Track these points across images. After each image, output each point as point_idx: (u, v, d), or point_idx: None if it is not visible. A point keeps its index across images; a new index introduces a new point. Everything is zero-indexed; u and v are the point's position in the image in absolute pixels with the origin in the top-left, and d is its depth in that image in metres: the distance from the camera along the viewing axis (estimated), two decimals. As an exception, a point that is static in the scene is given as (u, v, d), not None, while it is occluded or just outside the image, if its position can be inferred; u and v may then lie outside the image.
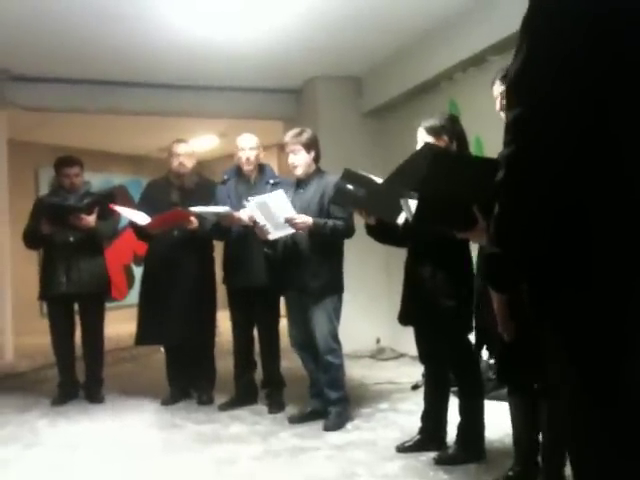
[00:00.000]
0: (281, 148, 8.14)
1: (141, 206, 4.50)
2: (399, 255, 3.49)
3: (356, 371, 5.26)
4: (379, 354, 6.11)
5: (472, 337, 3.13)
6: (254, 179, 4.32)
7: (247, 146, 4.25)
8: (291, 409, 4.26)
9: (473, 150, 3.83)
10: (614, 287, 1.22)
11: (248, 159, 4.25)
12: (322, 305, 3.84)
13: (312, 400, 4.08)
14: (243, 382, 4.45)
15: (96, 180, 6.92)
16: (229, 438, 3.81)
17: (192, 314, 4.39)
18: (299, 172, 3.92)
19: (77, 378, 4.84)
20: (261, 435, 3.82)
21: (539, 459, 2.66)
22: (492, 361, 2.87)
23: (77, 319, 4.81)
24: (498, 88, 2.62)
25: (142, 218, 4.29)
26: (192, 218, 4.25)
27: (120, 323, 6.49)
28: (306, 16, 4.64)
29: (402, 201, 2.76)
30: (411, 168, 2.37)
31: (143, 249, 4.84)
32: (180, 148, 4.56)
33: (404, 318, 3.33)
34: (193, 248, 4.42)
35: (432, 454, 3.26)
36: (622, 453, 1.25)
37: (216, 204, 4.23)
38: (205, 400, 4.54)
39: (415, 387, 4.63)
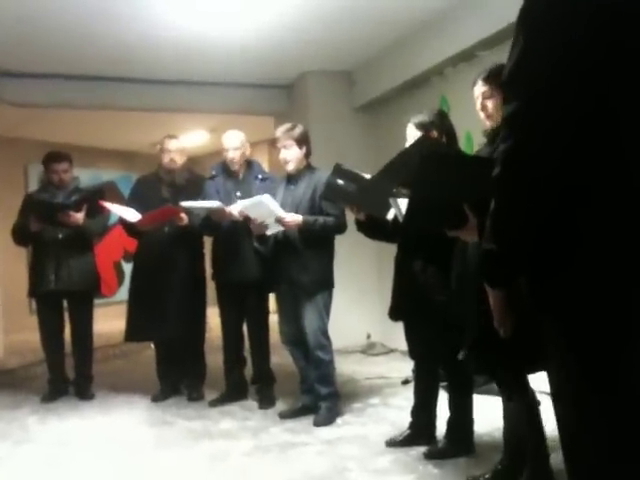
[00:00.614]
0: (272, 144, 8.15)
1: (131, 202, 4.48)
2: (390, 250, 3.49)
3: (347, 366, 5.27)
4: (370, 349, 6.12)
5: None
6: (242, 175, 4.32)
7: (231, 146, 4.25)
8: (281, 404, 4.27)
9: (464, 146, 3.85)
10: (615, 276, 1.22)
11: (232, 159, 4.25)
12: (313, 301, 3.85)
13: (303, 396, 4.09)
14: (233, 378, 4.45)
15: (86, 176, 6.89)
16: (220, 434, 3.81)
17: (182, 310, 4.38)
18: (291, 167, 3.92)
19: (67, 375, 4.83)
20: (252, 431, 3.83)
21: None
22: (461, 355, 2.88)
23: (66, 316, 4.79)
24: (479, 88, 2.61)
25: (132, 215, 4.28)
26: (182, 214, 4.24)
27: (110, 320, 6.46)
28: (297, 11, 4.63)
29: (391, 200, 2.76)
30: (404, 161, 2.37)
31: (133, 245, 4.83)
32: (171, 144, 4.55)
33: (394, 313, 3.34)
34: (183, 244, 4.41)
35: (422, 448, 3.28)
36: (620, 441, 1.25)
37: (205, 199, 4.23)
38: (195, 396, 4.53)
39: (405, 382, 4.65)
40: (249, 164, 4.40)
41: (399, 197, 2.71)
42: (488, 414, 3.48)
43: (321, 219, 3.78)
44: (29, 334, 5.30)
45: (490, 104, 2.56)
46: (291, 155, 3.89)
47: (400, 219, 2.79)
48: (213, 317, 4.73)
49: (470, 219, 2.06)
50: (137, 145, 8.66)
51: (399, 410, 4.02)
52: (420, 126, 3.06)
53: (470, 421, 3.23)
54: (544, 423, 2.54)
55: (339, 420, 3.93)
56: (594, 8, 1.20)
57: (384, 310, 3.46)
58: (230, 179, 4.32)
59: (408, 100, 5.58)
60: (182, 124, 7.38)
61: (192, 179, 4.60)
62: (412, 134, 3.07)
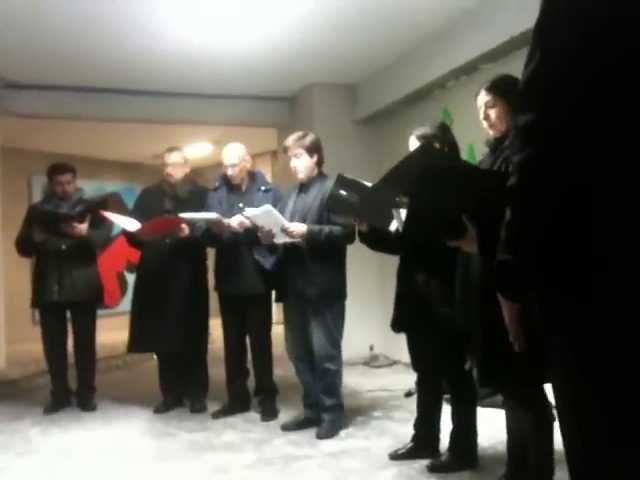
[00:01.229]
0: (274, 155, 8.18)
1: (135, 213, 4.49)
2: (392, 262, 3.49)
3: (349, 378, 5.25)
4: (372, 361, 6.11)
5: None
6: (245, 187, 4.33)
7: (228, 163, 4.25)
8: (284, 416, 4.25)
9: (466, 158, 3.85)
10: (622, 291, 1.22)
11: (232, 175, 4.27)
12: (320, 312, 3.82)
13: (306, 409, 4.07)
14: (236, 390, 4.44)
15: (90, 187, 6.91)
16: (222, 446, 3.79)
17: (184, 321, 4.38)
18: (301, 176, 3.91)
19: (69, 386, 4.83)
20: (254, 443, 3.81)
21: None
22: (467, 365, 2.87)
23: (69, 327, 4.79)
24: (483, 98, 2.62)
25: (132, 224, 4.29)
26: (183, 226, 4.26)
27: (113, 330, 6.47)
28: (301, 24, 4.65)
29: (394, 211, 2.77)
30: (405, 169, 2.38)
31: (136, 256, 4.84)
32: (169, 158, 4.56)
33: (397, 325, 3.34)
34: (185, 255, 4.42)
35: (425, 461, 3.27)
36: (622, 451, 1.25)
37: (207, 210, 4.24)
38: (198, 408, 4.52)
39: (408, 394, 4.63)
40: (252, 175, 4.41)
41: (401, 207, 2.71)
42: (492, 427, 3.47)
43: (327, 228, 3.77)
44: (32, 345, 5.30)
45: (493, 113, 2.57)
46: (301, 164, 3.89)
47: (401, 229, 2.79)
48: (216, 328, 4.72)
49: (469, 229, 2.06)
50: (141, 156, 8.70)
51: (402, 423, 4.01)
52: (422, 138, 3.07)
53: (474, 434, 3.22)
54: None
55: (342, 433, 3.91)
56: (607, 19, 1.20)
57: (387, 322, 3.45)
58: (233, 191, 4.33)
59: (411, 113, 5.60)
60: (186, 136, 7.42)
61: (195, 191, 4.61)
62: (414, 146, 3.08)
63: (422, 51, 5.12)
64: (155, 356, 4.88)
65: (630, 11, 1.21)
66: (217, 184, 4.41)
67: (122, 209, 5.09)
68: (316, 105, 6.28)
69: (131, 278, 6.31)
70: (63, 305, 4.66)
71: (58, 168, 4.73)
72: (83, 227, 4.51)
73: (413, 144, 3.11)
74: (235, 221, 4.09)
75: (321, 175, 3.95)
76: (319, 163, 3.96)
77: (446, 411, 3.33)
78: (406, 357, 3.56)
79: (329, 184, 3.75)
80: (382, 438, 3.80)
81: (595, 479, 1.31)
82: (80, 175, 4.95)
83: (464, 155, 3.48)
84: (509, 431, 2.77)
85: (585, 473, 1.33)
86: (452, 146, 3.13)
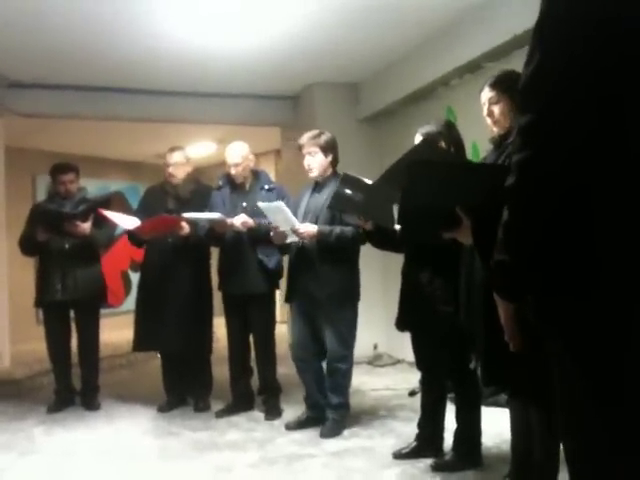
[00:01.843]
0: (278, 154, 8.18)
1: (139, 213, 4.49)
2: (396, 261, 3.49)
3: (353, 377, 5.17)
4: (376, 360, 6.10)
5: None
6: (249, 186, 4.33)
7: (231, 163, 4.24)
8: (288, 415, 4.25)
9: (470, 156, 3.84)
10: (621, 292, 1.21)
11: (235, 174, 4.26)
12: (332, 313, 3.80)
13: (308, 409, 4.06)
14: (239, 389, 4.44)
15: (93, 186, 6.91)
16: (226, 445, 3.79)
17: (188, 320, 4.39)
18: (314, 174, 3.89)
19: (73, 385, 4.83)
20: (258, 442, 3.81)
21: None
22: (472, 364, 2.86)
23: (73, 326, 4.80)
24: (486, 94, 2.61)
25: (131, 223, 4.30)
26: (183, 224, 4.25)
27: (117, 330, 6.47)
28: (303, 23, 4.65)
29: (395, 208, 2.77)
30: (404, 166, 2.38)
31: (140, 255, 4.84)
32: (171, 157, 4.55)
33: (401, 324, 3.33)
34: (189, 255, 4.42)
35: (429, 461, 3.26)
36: (622, 453, 1.24)
37: (210, 210, 4.24)
38: (202, 407, 4.53)
39: (412, 393, 4.62)
40: (256, 174, 4.40)
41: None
42: (496, 426, 3.46)
43: (337, 229, 3.74)
44: (36, 344, 5.31)
45: (497, 110, 2.56)
46: (315, 162, 3.87)
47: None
48: (220, 327, 4.72)
49: (464, 221, 2.06)
50: (144, 156, 8.71)
51: (406, 422, 4.00)
52: (428, 136, 3.05)
53: (478, 433, 3.21)
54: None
55: (346, 432, 3.91)
56: (606, 21, 1.20)
57: (390, 321, 3.45)
58: (236, 190, 4.33)
59: (414, 111, 5.59)
60: (189, 135, 7.42)
61: (198, 190, 4.60)
62: (420, 145, 3.07)
63: (425, 49, 5.10)
64: (159, 355, 4.88)
65: (629, 15, 1.21)
66: (220, 183, 4.41)
67: (126, 208, 5.10)
68: (319, 104, 6.27)
69: (135, 277, 6.31)
70: (66, 304, 4.66)
71: (61, 167, 4.73)
72: (86, 226, 4.51)
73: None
74: (238, 221, 4.08)
75: (335, 175, 3.89)
76: (334, 163, 3.94)
77: (450, 410, 3.32)
78: (410, 356, 3.56)
79: None
80: (386, 437, 3.80)
81: None
82: (84, 174, 4.95)
83: (468, 153, 3.46)
84: (513, 430, 2.76)
85: (584, 475, 1.32)
86: (458, 144, 3.12)
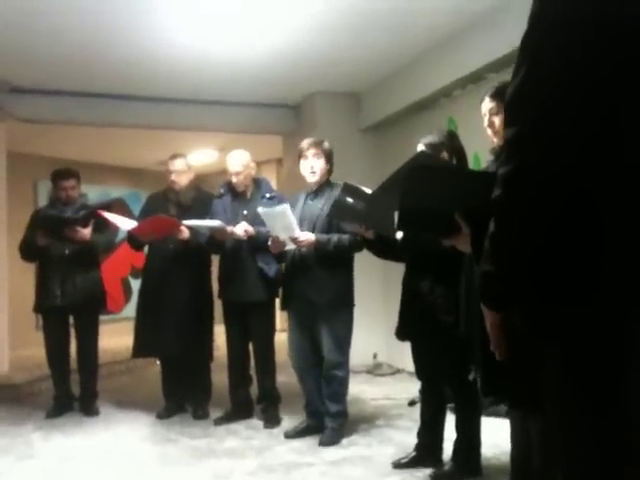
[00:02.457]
0: (279, 162, 8.20)
1: (141, 219, 4.50)
2: (396, 270, 3.49)
3: (353, 386, 5.19)
4: (376, 369, 6.09)
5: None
6: (250, 194, 4.34)
7: (233, 171, 4.25)
8: (287, 424, 4.24)
9: (472, 167, 3.85)
10: (615, 304, 1.21)
11: (236, 182, 4.27)
12: (330, 320, 3.81)
13: (308, 418, 4.06)
14: (238, 396, 4.43)
15: (94, 193, 6.92)
16: (224, 452, 3.79)
17: (188, 327, 4.39)
18: (316, 178, 3.90)
19: (72, 391, 4.82)
20: (256, 450, 3.80)
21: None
22: (472, 375, 2.87)
23: (72, 332, 4.79)
24: (487, 105, 2.62)
25: (129, 224, 4.31)
26: (182, 227, 4.25)
27: (117, 336, 6.46)
28: (305, 32, 4.67)
29: (395, 214, 2.78)
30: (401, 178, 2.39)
31: (141, 262, 4.84)
32: (172, 165, 4.57)
33: (401, 333, 3.33)
34: (189, 261, 4.42)
35: (428, 470, 3.26)
36: (614, 469, 1.24)
37: (212, 217, 4.24)
38: (200, 414, 4.52)
39: (412, 403, 4.62)
40: (257, 183, 4.41)
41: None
42: (495, 436, 3.45)
43: (335, 237, 3.76)
44: (35, 349, 5.31)
45: (497, 120, 2.57)
46: (319, 166, 3.89)
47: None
48: (220, 335, 4.72)
49: (463, 228, 2.07)
50: (146, 162, 8.73)
51: (405, 431, 3.99)
52: (430, 147, 3.06)
53: (477, 443, 3.20)
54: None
55: (344, 441, 3.90)
56: (598, 26, 1.20)
57: (391, 330, 3.45)
58: (237, 198, 4.34)
59: (416, 122, 5.60)
60: (191, 142, 7.44)
61: (199, 197, 4.61)
62: (421, 155, 3.07)
63: (427, 60, 5.13)
64: (158, 362, 4.88)
65: (627, 17, 1.21)
66: (222, 191, 4.42)
67: (127, 215, 5.10)
68: (321, 113, 6.30)
69: (135, 284, 6.32)
70: (66, 310, 4.66)
71: (62, 173, 4.74)
72: (86, 232, 4.52)
73: (420, 153, 3.10)
74: (239, 229, 4.09)
75: (329, 183, 3.95)
76: (330, 172, 3.97)
77: (450, 420, 3.32)
78: (410, 365, 3.56)
79: (337, 192, 3.74)
80: (385, 446, 3.79)
81: None
82: (85, 180, 4.97)
83: (470, 164, 3.47)
84: (513, 441, 2.76)
85: None
86: (460, 154, 3.12)
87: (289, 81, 5.85)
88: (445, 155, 3.04)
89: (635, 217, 1.21)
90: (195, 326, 4.44)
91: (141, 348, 4.57)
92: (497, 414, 3.77)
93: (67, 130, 6.61)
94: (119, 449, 3.92)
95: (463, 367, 3.09)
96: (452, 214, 2.05)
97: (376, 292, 6.09)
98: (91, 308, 4.75)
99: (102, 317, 4.96)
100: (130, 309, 6.47)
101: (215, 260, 4.59)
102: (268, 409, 4.36)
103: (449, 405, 3.38)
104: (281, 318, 5.81)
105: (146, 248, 4.73)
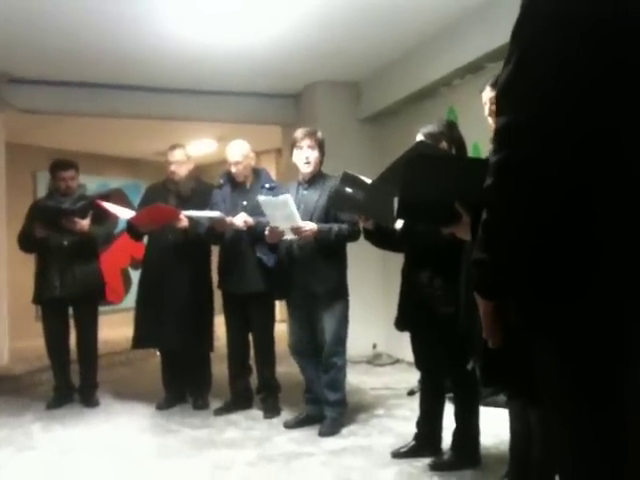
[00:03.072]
0: (279, 153, 8.18)
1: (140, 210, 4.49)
2: (396, 260, 3.49)
3: (352, 377, 5.23)
4: (375, 360, 6.10)
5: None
6: (249, 184, 4.33)
7: (232, 160, 4.24)
8: (287, 414, 4.25)
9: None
10: (610, 297, 1.21)
11: (236, 173, 4.26)
12: (329, 310, 3.83)
13: (307, 406, 4.07)
14: (238, 387, 4.44)
15: (93, 183, 6.91)
16: (224, 443, 3.80)
17: (188, 318, 4.39)
18: (311, 169, 3.90)
19: (72, 382, 4.83)
20: (256, 440, 3.81)
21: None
22: (470, 365, 2.87)
23: (72, 323, 4.80)
24: (487, 94, 2.62)
25: (127, 213, 4.31)
26: (181, 216, 4.25)
27: (117, 327, 6.48)
28: (305, 22, 4.65)
29: (395, 203, 2.78)
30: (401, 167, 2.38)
31: (141, 253, 4.84)
32: (172, 155, 4.55)
33: (401, 324, 3.33)
34: (188, 252, 4.42)
35: (427, 460, 3.27)
36: (613, 463, 1.24)
37: (211, 208, 4.24)
38: (200, 405, 4.53)
39: (411, 393, 4.63)
40: (257, 173, 4.40)
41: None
42: (495, 426, 3.46)
43: (336, 227, 3.77)
44: (35, 340, 5.31)
45: None
46: (314, 156, 3.89)
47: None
48: (220, 326, 4.73)
49: (463, 217, 2.06)
50: (145, 153, 8.71)
51: (404, 421, 4.00)
52: (429, 137, 3.05)
53: (476, 433, 3.21)
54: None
55: (344, 431, 3.91)
56: (593, 23, 1.20)
57: (390, 320, 3.45)
58: (237, 188, 4.33)
59: (416, 111, 5.58)
60: (190, 133, 7.42)
61: (199, 188, 4.60)
62: (421, 145, 3.06)
63: (426, 50, 5.10)
64: (158, 353, 4.88)
65: (624, 13, 1.20)
66: (221, 182, 4.41)
67: (127, 205, 5.10)
68: (320, 103, 6.28)
69: (135, 275, 6.32)
70: (65, 301, 4.66)
71: (61, 164, 4.73)
72: (85, 223, 4.51)
73: (420, 142, 3.09)
74: (239, 219, 4.08)
75: (322, 174, 3.96)
76: (322, 162, 3.97)
77: (449, 410, 3.33)
78: (409, 356, 3.56)
79: (332, 182, 3.74)
80: (384, 436, 3.80)
81: None
82: (84, 171, 4.96)
83: (469, 153, 3.46)
84: (512, 430, 2.76)
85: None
86: (459, 144, 3.11)
87: (288, 71, 5.82)
88: (444, 145, 3.03)
89: (630, 213, 1.20)
90: (195, 317, 4.44)
91: (141, 339, 4.57)
92: (496, 404, 3.77)
93: (66, 121, 6.59)
94: (119, 440, 3.93)
95: (462, 357, 3.09)
96: (452, 202, 2.05)
97: (375, 283, 6.10)
98: (90, 299, 4.75)
99: (102, 308, 4.97)
100: (130, 300, 6.46)
101: (215, 251, 4.58)
102: (268, 399, 4.37)
103: (448, 395, 3.39)
104: (281, 309, 5.81)
105: (145, 239, 4.72)
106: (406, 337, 3.42)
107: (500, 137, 1.28)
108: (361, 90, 6.34)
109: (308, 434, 3.87)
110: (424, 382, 3.42)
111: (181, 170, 4.54)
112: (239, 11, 4.42)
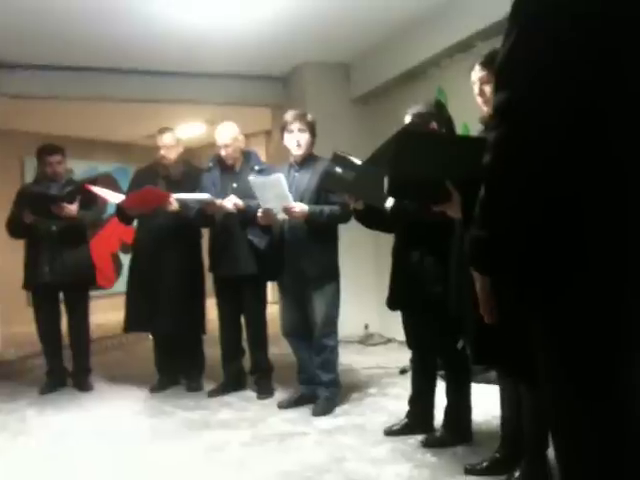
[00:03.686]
0: (268, 135, 8.15)
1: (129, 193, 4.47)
2: (387, 240, 3.50)
3: (345, 357, 5.25)
4: (368, 340, 6.14)
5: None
6: (239, 167, 4.32)
7: (221, 143, 4.23)
8: (280, 395, 4.28)
9: (460, 136, 3.84)
10: (606, 278, 1.22)
11: (225, 155, 4.25)
12: (320, 291, 3.84)
13: (301, 386, 4.10)
14: (231, 369, 4.46)
15: (82, 168, 6.88)
16: (218, 424, 3.82)
17: (180, 303, 4.40)
18: (302, 152, 3.89)
19: (65, 366, 4.83)
20: (250, 421, 3.84)
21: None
22: (460, 344, 2.91)
23: (63, 308, 4.79)
24: (477, 73, 2.61)
25: (116, 197, 4.30)
26: (171, 199, 4.23)
27: (108, 311, 6.48)
28: (293, 2, 4.61)
29: (385, 182, 2.79)
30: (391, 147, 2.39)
31: (130, 237, 4.83)
32: (161, 139, 4.52)
33: (392, 303, 3.35)
34: (179, 235, 4.41)
35: (420, 437, 3.30)
36: (609, 447, 1.26)
37: (201, 191, 4.23)
38: (194, 387, 4.55)
39: (403, 372, 4.67)
40: (246, 155, 4.39)
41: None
42: (486, 403, 3.50)
43: (327, 209, 3.77)
44: (27, 326, 5.30)
45: (488, 89, 2.55)
46: (304, 139, 3.88)
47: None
48: (212, 308, 4.74)
49: (454, 195, 2.07)
50: (133, 137, 8.65)
51: (397, 399, 4.04)
52: (418, 117, 3.05)
53: (468, 410, 3.25)
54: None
55: (337, 410, 3.94)
56: (587, 11, 1.20)
57: (382, 300, 3.47)
58: (226, 171, 4.32)
59: (405, 92, 5.57)
60: (179, 115, 7.37)
61: (188, 172, 4.58)
62: (410, 125, 3.06)
63: (415, 29, 5.08)
64: (151, 336, 4.89)
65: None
66: (210, 165, 4.39)
67: (116, 190, 5.07)
68: (309, 84, 6.25)
69: (126, 259, 6.31)
70: (55, 287, 4.65)
71: (47, 149, 4.70)
72: (73, 208, 4.48)
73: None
74: (229, 202, 4.08)
75: (313, 156, 3.96)
76: (313, 143, 3.96)
77: (440, 387, 3.36)
78: (401, 335, 3.59)
79: (323, 164, 3.73)
80: (377, 415, 3.84)
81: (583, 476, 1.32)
82: (73, 156, 4.93)
83: (458, 133, 3.46)
84: (503, 407, 2.80)
85: (572, 463, 1.34)
86: (449, 124, 3.12)
87: (277, 52, 5.79)
88: (434, 125, 3.03)
89: (616, 204, 1.22)
90: (187, 301, 4.45)
91: (133, 323, 4.58)
92: (487, 381, 3.82)
93: (54, 105, 6.52)
94: (113, 423, 3.95)
95: (453, 336, 3.12)
96: (443, 180, 2.05)
97: (367, 263, 6.12)
98: (80, 284, 4.74)
99: (93, 293, 4.96)
100: (121, 284, 6.46)
101: (205, 234, 4.58)
102: (261, 380, 4.39)
103: (440, 373, 3.42)
104: (273, 290, 5.83)
105: (135, 223, 4.71)
106: (398, 317, 3.44)
107: (499, 113, 1.28)
108: (350, 71, 6.32)
109: (302, 414, 3.90)
110: (416, 361, 3.45)
111: (171, 154, 4.52)
112: (226, -8, 4.38)
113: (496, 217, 1.33)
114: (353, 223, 3.66)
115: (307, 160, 3.92)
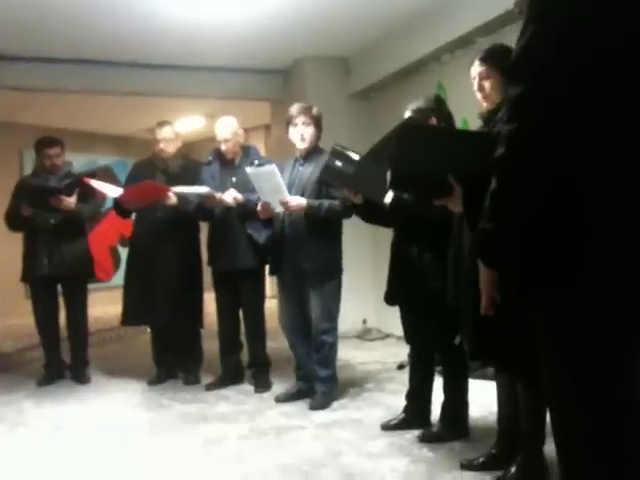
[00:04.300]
0: (267, 129, 8.14)
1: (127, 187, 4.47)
2: (386, 235, 3.50)
3: (343, 352, 5.24)
4: (365, 335, 6.15)
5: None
6: (238, 161, 4.31)
7: (221, 137, 4.22)
8: (277, 388, 4.29)
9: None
10: (609, 273, 1.22)
11: (225, 150, 4.24)
12: (319, 288, 3.83)
13: (298, 382, 4.10)
14: (229, 362, 4.47)
15: (81, 161, 6.86)
16: (216, 418, 3.83)
17: (178, 296, 4.39)
18: (306, 145, 3.88)
19: (63, 359, 4.84)
20: (247, 414, 3.85)
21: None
22: (457, 339, 2.91)
23: (61, 300, 4.79)
24: (477, 68, 2.60)
25: (115, 190, 4.29)
26: (169, 193, 4.23)
27: (107, 304, 6.48)
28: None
29: (386, 178, 2.79)
30: (391, 141, 2.39)
31: (129, 230, 4.82)
32: (160, 132, 4.52)
33: (390, 298, 3.35)
34: (177, 229, 4.41)
35: (417, 432, 3.31)
36: (610, 443, 1.26)
37: (200, 185, 4.22)
38: (192, 380, 4.55)
39: (401, 367, 4.68)
40: (245, 149, 4.38)
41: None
42: (483, 399, 3.51)
43: (326, 203, 3.75)
44: (26, 318, 5.31)
45: (487, 85, 2.55)
46: (309, 133, 3.86)
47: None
48: (211, 302, 4.74)
49: (456, 189, 2.07)
50: (133, 130, 8.64)
51: (394, 394, 4.05)
52: (418, 112, 3.05)
53: (465, 405, 3.26)
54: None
55: (334, 404, 3.95)
56: (603, 10, 1.20)
57: (380, 295, 3.47)
58: (226, 165, 4.31)
59: (405, 86, 5.57)
60: (178, 109, 7.36)
61: (187, 166, 4.58)
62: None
63: (416, 24, 5.07)
64: (149, 329, 4.90)
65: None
66: (210, 159, 4.39)
67: (114, 182, 5.06)
68: (309, 78, 6.24)
69: (124, 252, 6.30)
70: (53, 279, 4.65)
71: (46, 141, 4.69)
72: (71, 200, 4.47)
73: (409, 119, 3.09)
74: (228, 196, 4.08)
75: (318, 149, 3.93)
76: (319, 137, 3.95)
77: (438, 383, 3.37)
78: (399, 330, 3.59)
79: (326, 158, 3.72)
80: (374, 409, 3.84)
81: (582, 470, 1.32)
82: (73, 149, 4.93)
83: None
84: (500, 402, 2.81)
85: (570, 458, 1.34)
86: (448, 119, 3.12)
87: (277, 46, 5.78)
88: (434, 120, 3.03)
89: (619, 201, 1.22)
90: (185, 294, 4.45)
91: (131, 317, 4.58)
92: (484, 377, 3.82)
93: (53, 98, 6.52)
94: (111, 416, 3.95)
95: (451, 331, 3.13)
96: (444, 174, 2.06)
97: (366, 258, 6.12)
98: (78, 277, 4.74)
99: (91, 285, 4.96)
100: (119, 277, 6.45)
101: (204, 228, 4.58)
102: (258, 374, 4.40)
103: (437, 368, 3.43)
104: (271, 285, 5.83)
105: (133, 216, 4.70)
106: (396, 312, 3.44)
107: (513, 107, 1.28)
108: (350, 65, 6.30)
109: (299, 408, 3.91)
110: (413, 356, 3.45)
111: (170, 147, 4.52)
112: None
113: (507, 211, 1.33)
114: (351, 218, 3.66)
115: (312, 153, 3.91)
